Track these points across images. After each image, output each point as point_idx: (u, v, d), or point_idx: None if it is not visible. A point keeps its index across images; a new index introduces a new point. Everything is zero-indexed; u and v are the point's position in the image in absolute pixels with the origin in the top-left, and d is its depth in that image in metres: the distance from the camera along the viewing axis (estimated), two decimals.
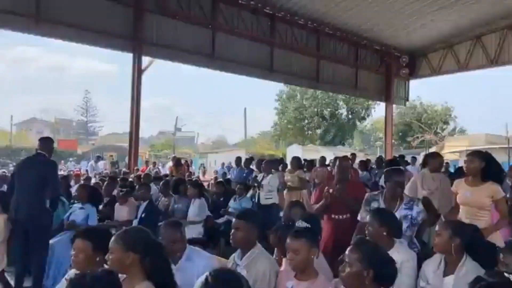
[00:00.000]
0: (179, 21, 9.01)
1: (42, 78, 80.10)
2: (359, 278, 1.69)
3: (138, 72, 8.71)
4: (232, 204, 5.71)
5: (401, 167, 3.34)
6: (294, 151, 23.30)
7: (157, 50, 8.93)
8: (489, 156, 3.07)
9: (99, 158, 15.28)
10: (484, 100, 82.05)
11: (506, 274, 2.01)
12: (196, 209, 4.95)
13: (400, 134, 32.93)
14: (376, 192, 3.12)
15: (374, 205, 2.91)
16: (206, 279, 1.32)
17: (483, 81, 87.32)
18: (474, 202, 2.98)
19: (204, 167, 19.03)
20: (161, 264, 1.78)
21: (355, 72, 12.95)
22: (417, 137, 25.35)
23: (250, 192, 6.13)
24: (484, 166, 2.97)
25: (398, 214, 2.73)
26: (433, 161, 4.06)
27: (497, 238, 2.86)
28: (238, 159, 8.73)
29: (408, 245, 2.66)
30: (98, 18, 7.86)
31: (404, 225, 2.72)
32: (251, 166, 8.33)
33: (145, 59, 9.01)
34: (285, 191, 6.26)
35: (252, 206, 5.58)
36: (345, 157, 4.61)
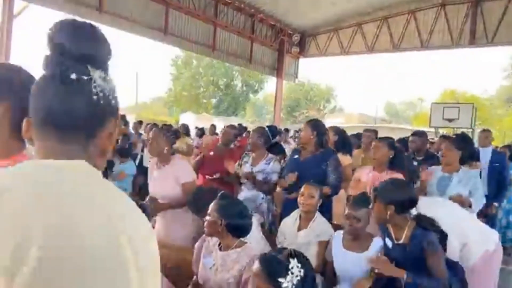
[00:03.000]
0: None
1: None
2: (215, 226, 2.03)
3: (8, 17, 7.57)
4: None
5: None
6: (187, 118, 23.08)
7: None
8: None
9: None
10: (361, 83, 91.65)
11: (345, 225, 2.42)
12: None
13: (289, 109, 35.03)
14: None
15: (245, 158, 3.63)
16: None
17: (362, 65, 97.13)
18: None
19: None
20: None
21: (250, 45, 13.23)
22: (303, 113, 27.27)
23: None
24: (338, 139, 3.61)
25: (258, 167, 3.46)
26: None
27: None
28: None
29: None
30: None
31: (260, 176, 3.41)
32: (140, 131, 8.10)
33: (18, 3, 7.85)
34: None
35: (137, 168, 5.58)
36: (231, 125, 4.83)
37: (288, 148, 6.34)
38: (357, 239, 2.43)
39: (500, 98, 36.88)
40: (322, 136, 3.25)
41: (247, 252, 2.06)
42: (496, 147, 7.16)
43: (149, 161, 3.29)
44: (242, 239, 2.13)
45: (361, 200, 2.42)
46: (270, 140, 3.69)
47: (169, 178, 2.93)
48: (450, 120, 11.00)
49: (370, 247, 2.38)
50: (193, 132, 9.55)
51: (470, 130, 10.75)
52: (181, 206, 2.88)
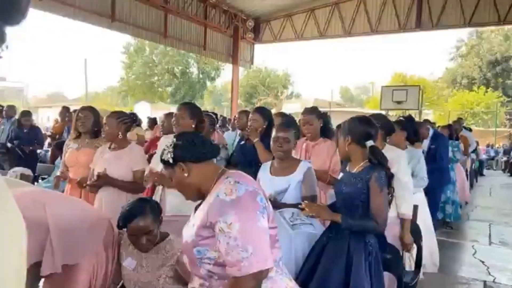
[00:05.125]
0: None
1: None
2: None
3: None
4: None
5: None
6: (142, 108, 22.43)
7: None
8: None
9: None
10: (316, 69, 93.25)
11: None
12: None
13: (247, 95, 35.00)
14: None
15: None
16: None
17: (317, 50, 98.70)
18: None
19: None
20: None
21: (204, 31, 12.98)
22: (260, 99, 27.37)
23: None
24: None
25: None
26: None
27: None
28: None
29: None
30: None
31: None
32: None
33: None
34: None
35: None
36: (170, 113, 4.68)
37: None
38: (285, 163, 2.50)
39: (446, 80, 38.97)
40: (271, 122, 3.27)
41: (171, 248, 2.04)
42: (438, 126, 7.55)
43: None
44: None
45: (287, 122, 2.60)
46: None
47: (123, 162, 2.87)
48: (399, 102, 11.45)
49: (297, 169, 2.46)
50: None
51: (417, 111, 11.28)
52: (128, 190, 2.84)
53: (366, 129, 2.24)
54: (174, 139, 1.54)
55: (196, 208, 1.54)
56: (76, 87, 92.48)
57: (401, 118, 4.38)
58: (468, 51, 38.07)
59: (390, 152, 2.81)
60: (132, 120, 3.12)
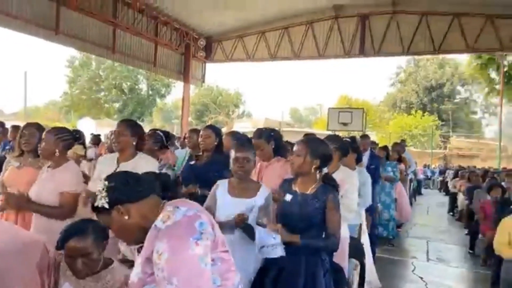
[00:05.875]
0: None
1: None
2: None
3: None
4: None
5: None
6: (86, 124, 21.46)
7: None
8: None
9: None
10: (267, 89, 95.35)
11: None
12: None
13: (198, 113, 34.80)
14: None
15: None
16: None
17: (268, 71, 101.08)
18: None
19: None
20: None
21: (154, 48, 12.81)
22: (211, 118, 27.32)
23: None
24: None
25: None
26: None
27: None
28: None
29: None
30: None
31: None
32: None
33: None
34: None
35: None
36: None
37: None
38: (244, 184, 2.50)
39: (386, 104, 41.46)
40: (221, 141, 3.26)
41: (112, 278, 1.88)
42: (375, 147, 7.94)
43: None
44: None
45: (247, 141, 2.69)
46: (164, 144, 3.59)
47: (51, 183, 2.62)
48: (345, 124, 11.95)
49: (259, 193, 2.47)
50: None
51: (361, 132, 11.81)
52: (50, 216, 2.57)
53: (330, 154, 2.40)
54: (106, 182, 1.40)
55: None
56: (14, 101, 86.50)
57: (346, 139, 4.56)
58: (406, 77, 40.94)
59: (342, 172, 2.93)
60: (73, 137, 2.91)
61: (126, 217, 1.37)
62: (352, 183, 2.91)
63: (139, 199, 1.39)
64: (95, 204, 1.39)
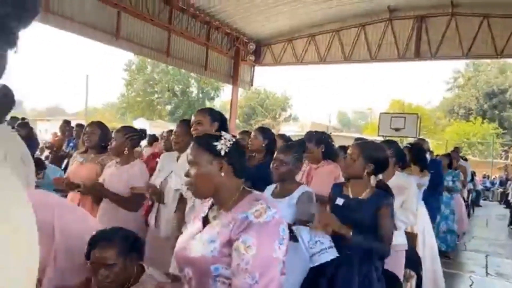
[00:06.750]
0: None
1: None
2: None
3: None
4: None
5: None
6: (140, 125, 22.45)
7: None
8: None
9: None
10: (315, 92, 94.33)
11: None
12: None
13: (245, 116, 35.19)
14: None
15: None
16: None
17: (315, 74, 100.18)
18: None
19: None
20: None
21: (206, 52, 13.16)
22: (259, 121, 27.49)
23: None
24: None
25: None
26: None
27: None
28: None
29: None
30: None
31: None
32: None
33: None
34: None
35: None
36: (170, 130, 4.70)
37: None
38: (283, 186, 2.49)
39: (442, 109, 39.43)
40: (272, 143, 3.26)
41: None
42: (437, 155, 7.57)
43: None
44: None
45: (291, 146, 2.60)
46: None
47: (123, 179, 2.83)
48: (397, 130, 11.53)
49: (295, 192, 2.44)
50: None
51: (415, 139, 11.33)
52: (120, 204, 2.79)
53: (387, 160, 2.33)
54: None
55: (204, 220, 1.49)
56: (75, 101, 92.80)
57: (408, 145, 4.39)
58: (465, 82, 38.71)
59: (400, 178, 2.84)
60: (140, 136, 3.08)
61: (222, 174, 1.42)
62: (410, 190, 2.81)
63: (237, 174, 1.46)
64: (213, 143, 1.42)
